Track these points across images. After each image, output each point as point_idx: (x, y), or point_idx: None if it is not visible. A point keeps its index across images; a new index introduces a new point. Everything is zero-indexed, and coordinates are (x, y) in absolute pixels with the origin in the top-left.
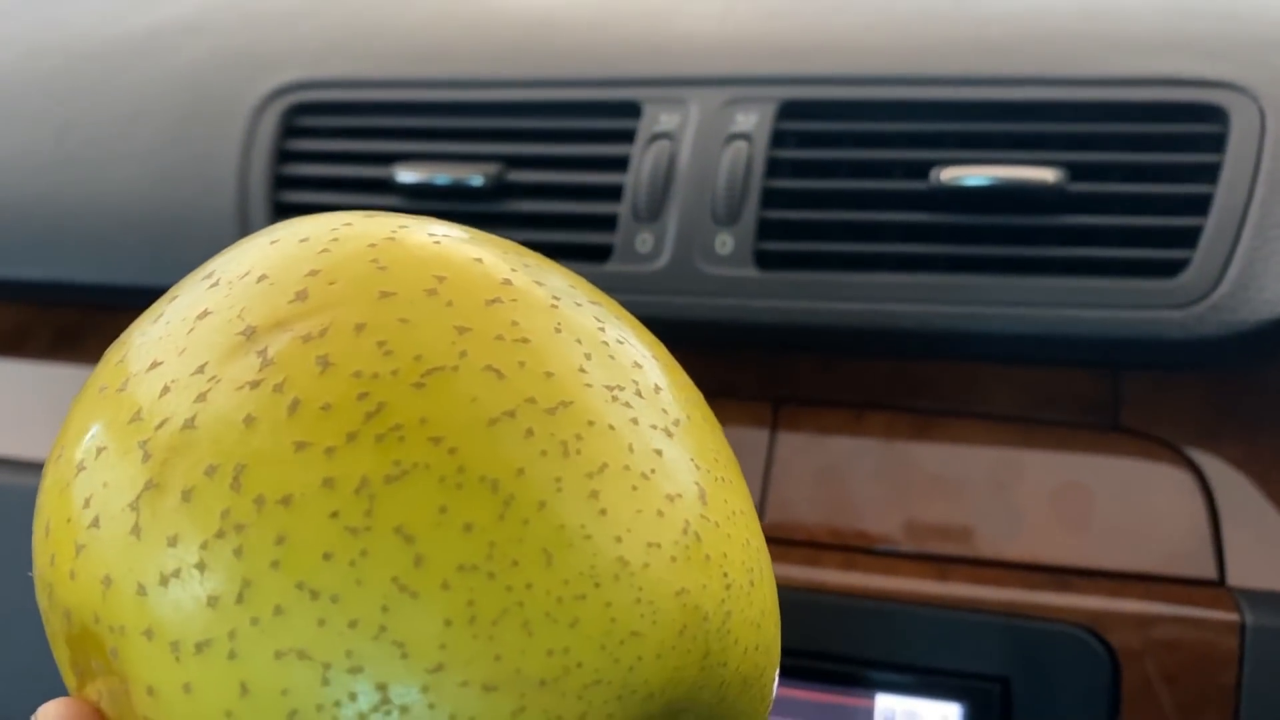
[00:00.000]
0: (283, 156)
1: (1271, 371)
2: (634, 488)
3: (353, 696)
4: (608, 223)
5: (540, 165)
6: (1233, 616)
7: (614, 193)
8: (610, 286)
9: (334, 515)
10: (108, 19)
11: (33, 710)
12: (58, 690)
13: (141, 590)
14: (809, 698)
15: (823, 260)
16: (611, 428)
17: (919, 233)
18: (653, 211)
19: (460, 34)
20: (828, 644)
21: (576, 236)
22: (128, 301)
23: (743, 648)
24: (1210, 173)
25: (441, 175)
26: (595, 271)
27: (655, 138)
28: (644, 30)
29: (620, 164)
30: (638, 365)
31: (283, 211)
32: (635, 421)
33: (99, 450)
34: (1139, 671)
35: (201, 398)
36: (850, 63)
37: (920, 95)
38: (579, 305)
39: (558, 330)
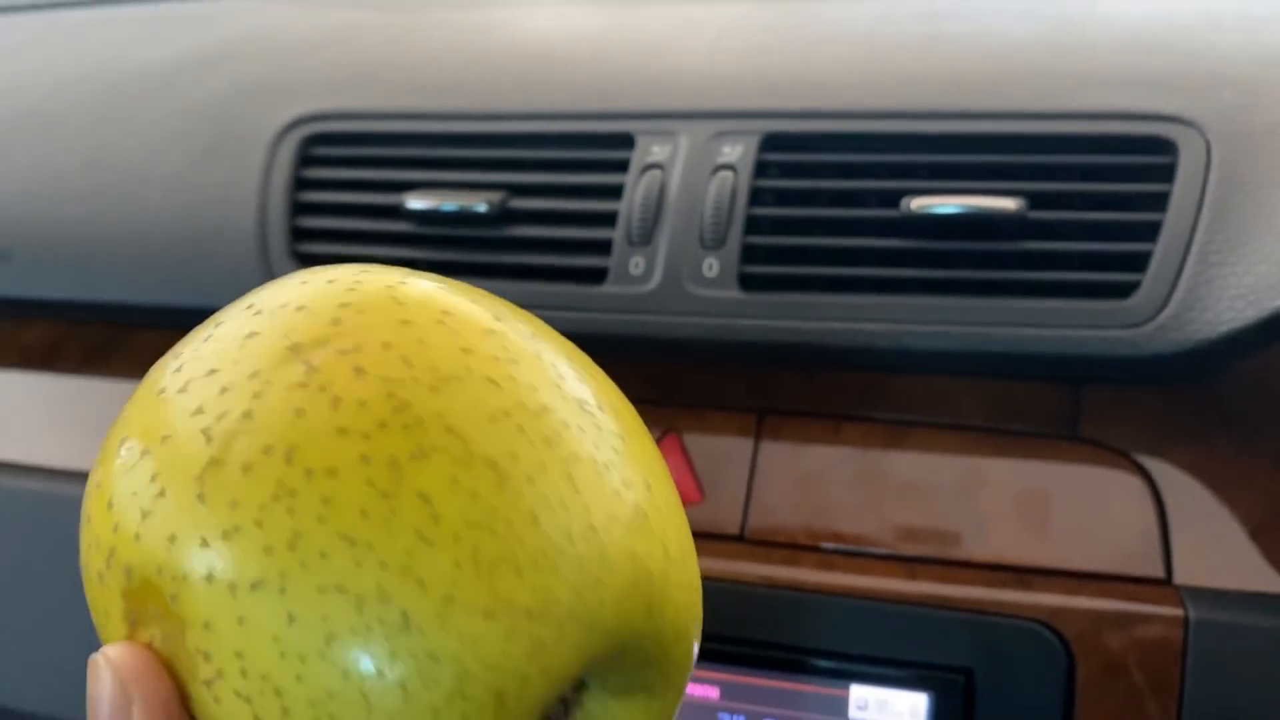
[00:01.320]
0: (299, 184)
1: (1217, 385)
2: (598, 474)
3: (381, 620)
4: (603, 247)
5: (540, 193)
6: (1178, 612)
7: (609, 219)
8: (605, 307)
9: (369, 482)
10: (131, 50)
11: (70, 700)
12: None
13: (205, 543)
14: (789, 688)
15: (803, 282)
16: (582, 430)
17: (892, 257)
18: (644, 237)
19: (466, 68)
20: (806, 638)
21: (574, 260)
22: (154, 320)
23: (676, 605)
24: (1160, 201)
25: (449, 203)
26: (591, 293)
27: (647, 168)
28: (637, 65)
29: (615, 192)
30: (593, 395)
31: (300, 236)
32: (599, 429)
33: (163, 438)
34: (1092, 663)
35: (258, 395)
36: (830, 97)
37: (893, 129)
38: (546, 345)
39: (538, 357)
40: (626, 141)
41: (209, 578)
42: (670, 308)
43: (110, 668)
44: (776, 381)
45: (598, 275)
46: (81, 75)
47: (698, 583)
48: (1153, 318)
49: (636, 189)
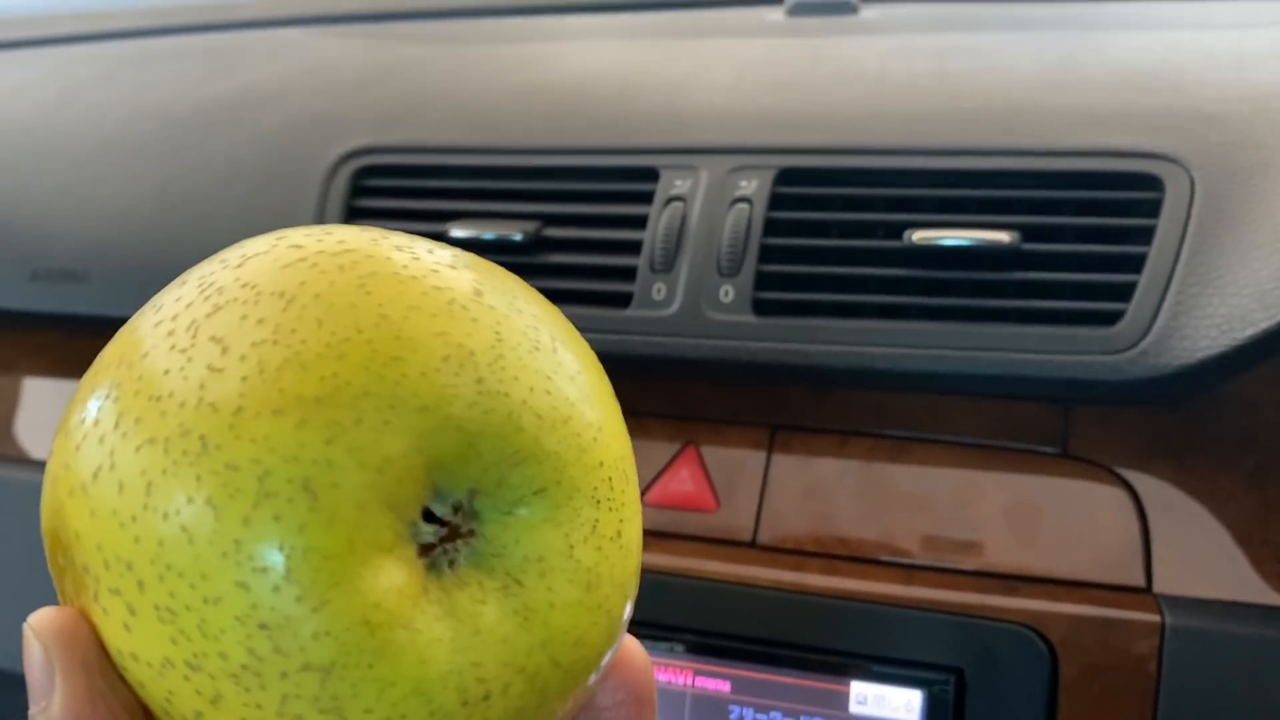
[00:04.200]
0: (352, 213)
1: (1198, 407)
2: (400, 283)
3: (184, 452)
4: (628, 274)
5: (571, 223)
6: (1155, 618)
7: (634, 247)
8: (629, 330)
9: (173, 347)
10: (196, 85)
11: None
12: None
13: (67, 466)
14: (793, 683)
15: (812, 308)
16: (389, 259)
17: (895, 285)
18: (666, 264)
19: (504, 104)
20: (810, 637)
21: (601, 285)
22: None
23: (526, 385)
24: (1146, 234)
25: (488, 231)
26: (616, 316)
27: (670, 200)
28: (662, 102)
29: (639, 222)
30: (451, 260)
31: None
32: (417, 258)
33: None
34: (1075, 664)
35: (115, 340)
36: (841, 134)
37: (899, 164)
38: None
39: (375, 241)
40: (651, 175)
41: (71, 491)
42: (689, 331)
43: (33, 633)
44: (788, 399)
45: (623, 300)
46: (151, 108)
47: (576, 385)
48: (1135, 344)
49: (659, 220)
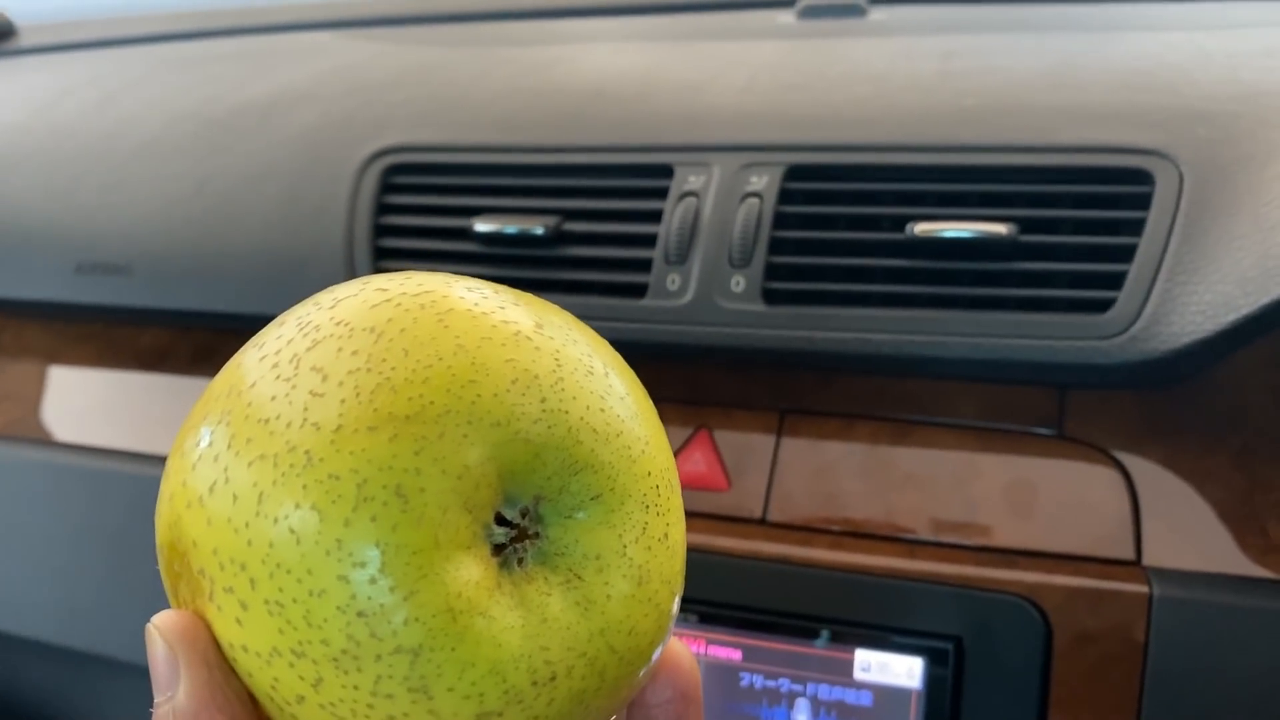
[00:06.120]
0: (382, 209)
1: (1188, 389)
2: (473, 317)
3: (291, 465)
4: (644, 265)
5: (590, 217)
6: (1144, 589)
7: (649, 240)
8: (645, 318)
9: (278, 377)
10: (231, 87)
11: None
12: None
13: (184, 483)
14: (802, 651)
15: (820, 297)
16: (462, 297)
17: (899, 276)
18: (680, 256)
19: (527, 104)
20: (818, 608)
21: (618, 276)
22: (253, 327)
23: (584, 404)
24: (1136, 226)
25: (511, 226)
26: (633, 306)
27: (684, 195)
28: (677, 103)
29: (655, 217)
30: (499, 288)
31: (382, 255)
32: (485, 297)
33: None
34: (1067, 632)
35: (226, 370)
36: (848, 132)
37: (903, 161)
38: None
39: (448, 282)
40: (666, 172)
41: (189, 504)
42: (702, 319)
43: (158, 633)
44: (796, 384)
45: (639, 290)
46: (189, 110)
47: (625, 407)
48: (1125, 330)
49: (674, 214)
